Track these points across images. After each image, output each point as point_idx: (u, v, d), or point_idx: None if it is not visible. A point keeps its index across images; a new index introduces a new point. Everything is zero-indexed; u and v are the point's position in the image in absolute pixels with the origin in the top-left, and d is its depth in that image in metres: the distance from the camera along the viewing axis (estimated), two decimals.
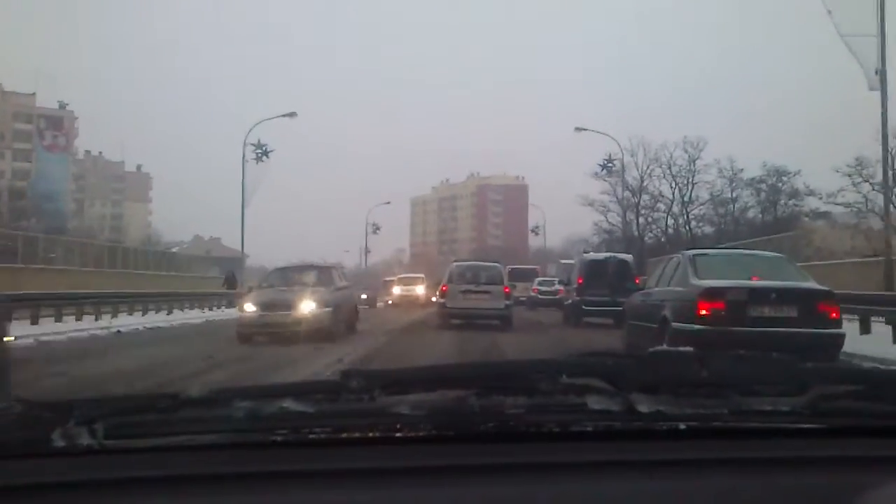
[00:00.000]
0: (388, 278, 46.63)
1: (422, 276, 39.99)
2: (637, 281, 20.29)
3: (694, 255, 9.69)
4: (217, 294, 31.40)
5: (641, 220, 50.81)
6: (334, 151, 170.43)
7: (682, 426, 1.14)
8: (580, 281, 20.19)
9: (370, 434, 1.11)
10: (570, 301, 21.05)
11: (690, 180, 49.80)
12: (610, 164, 40.35)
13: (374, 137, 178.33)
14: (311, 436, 1.10)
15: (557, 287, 35.68)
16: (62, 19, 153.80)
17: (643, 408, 1.13)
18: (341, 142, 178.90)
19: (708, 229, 49.59)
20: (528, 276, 35.70)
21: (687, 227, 49.89)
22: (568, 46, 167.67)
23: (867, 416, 1.21)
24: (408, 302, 34.48)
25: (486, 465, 1.08)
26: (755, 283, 8.83)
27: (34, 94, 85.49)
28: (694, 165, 49.43)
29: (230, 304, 26.88)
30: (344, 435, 1.11)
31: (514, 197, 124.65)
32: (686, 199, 50.31)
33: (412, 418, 1.11)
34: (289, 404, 1.11)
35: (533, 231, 66.59)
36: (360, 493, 1.03)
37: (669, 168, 49.90)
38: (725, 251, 12.54)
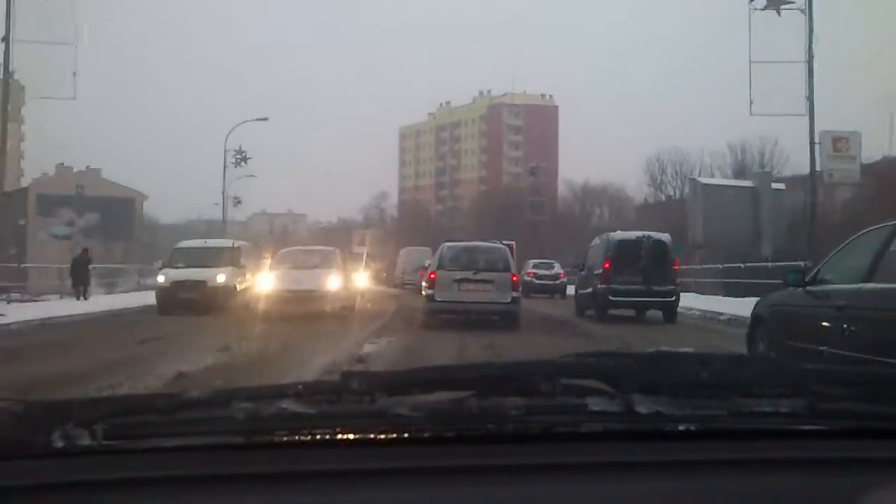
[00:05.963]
0: (358, 248, 31.85)
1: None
2: (677, 267, 16.78)
3: None
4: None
5: None
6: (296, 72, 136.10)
7: (682, 427, 1.14)
8: (606, 265, 16.78)
9: (370, 435, 1.12)
10: (590, 289, 17.53)
11: None
12: None
13: (350, 54, 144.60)
14: (311, 437, 1.11)
15: (558, 271, 31.84)
16: None
17: (642, 409, 1.13)
18: (306, 59, 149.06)
19: None
20: None
21: None
22: None
23: (867, 417, 1.21)
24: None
25: (485, 466, 1.09)
26: None
27: None
28: None
29: None
30: (344, 436, 1.12)
31: (538, 122, 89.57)
32: None
33: (412, 419, 1.11)
34: (289, 405, 1.11)
35: None
36: (360, 493, 1.04)
37: None
38: None
